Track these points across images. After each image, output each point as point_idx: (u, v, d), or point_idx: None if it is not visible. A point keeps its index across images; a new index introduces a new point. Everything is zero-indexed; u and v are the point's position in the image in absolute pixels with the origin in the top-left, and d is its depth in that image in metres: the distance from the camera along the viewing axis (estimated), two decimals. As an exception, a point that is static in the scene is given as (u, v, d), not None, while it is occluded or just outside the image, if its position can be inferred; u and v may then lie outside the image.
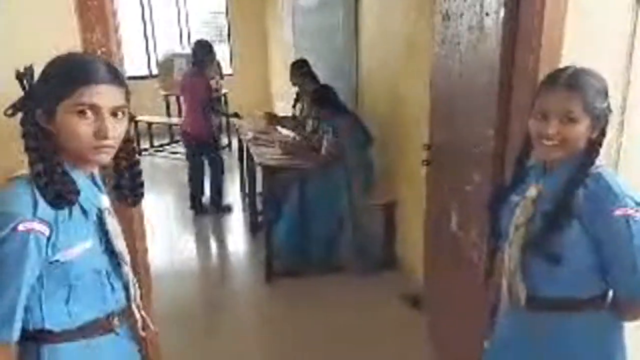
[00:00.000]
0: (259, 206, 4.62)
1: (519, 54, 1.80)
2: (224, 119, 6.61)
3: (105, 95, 1.10)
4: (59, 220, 1.10)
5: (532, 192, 1.38)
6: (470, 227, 2.25)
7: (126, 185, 1.32)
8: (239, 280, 3.91)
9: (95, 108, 1.09)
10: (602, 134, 1.33)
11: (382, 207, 3.76)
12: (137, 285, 1.33)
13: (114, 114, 1.13)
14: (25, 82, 1.10)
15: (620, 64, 1.76)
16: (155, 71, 7.93)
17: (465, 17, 2.20)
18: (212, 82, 5.02)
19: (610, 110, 1.33)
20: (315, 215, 3.71)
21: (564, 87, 1.28)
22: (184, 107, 4.75)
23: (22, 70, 1.10)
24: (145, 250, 1.79)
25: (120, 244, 1.25)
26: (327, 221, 3.71)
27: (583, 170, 1.30)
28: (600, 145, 1.33)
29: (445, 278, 2.67)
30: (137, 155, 1.33)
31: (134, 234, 1.73)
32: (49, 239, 1.08)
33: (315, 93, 3.84)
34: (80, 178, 1.17)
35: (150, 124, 7.35)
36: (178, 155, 7.25)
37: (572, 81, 1.28)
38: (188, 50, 7.89)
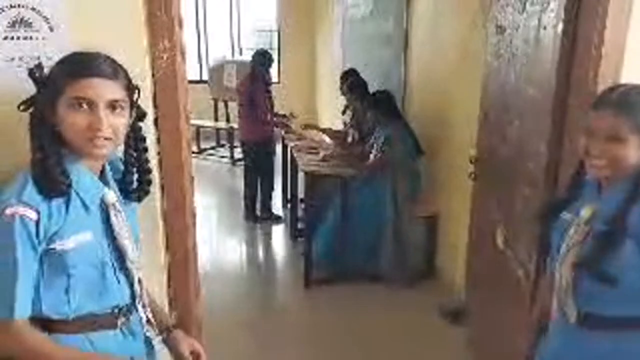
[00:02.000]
0: (301, 213, 4.67)
1: (576, 70, 1.77)
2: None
3: (100, 89, 1.13)
4: (53, 209, 1.14)
5: (586, 212, 1.36)
6: (518, 244, 2.21)
7: (131, 180, 1.34)
8: (278, 286, 3.95)
9: (90, 101, 1.13)
10: None
11: (425, 218, 3.73)
12: (143, 283, 1.34)
13: (111, 107, 1.16)
14: (36, 79, 1.17)
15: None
16: (205, 77, 8.14)
17: (522, 30, 2.17)
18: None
19: None
20: (356, 224, 3.72)
21: (611, 106, 1.26)
22: (242, 114, 4.85)
23: (33, 68, 1.17)
24: (195, 250, 1.84)
25: (124, 241, 1.26)
26: (369, 230, 3.71)
27: (636, 190, 1.28)
28: None
29: (488, 294, 2.62)
30: (146, 152, 1.35)
31: (185, 233, 1.77)
32: (38, 223, 1.11)
33: (375, 97, 3.82)
34: (82, 172, 1.20)
35: (198, 128, 7.53)
36: (224, 160, 7.40)
37: (622, 100, 1.26)
38: (238, 57, 8.11)
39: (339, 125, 5.36)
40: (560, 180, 1.87)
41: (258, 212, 5.06)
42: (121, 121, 1.19)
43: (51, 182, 1.13)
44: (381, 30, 4.95)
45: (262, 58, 4.85)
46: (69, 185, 1.16)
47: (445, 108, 3.64)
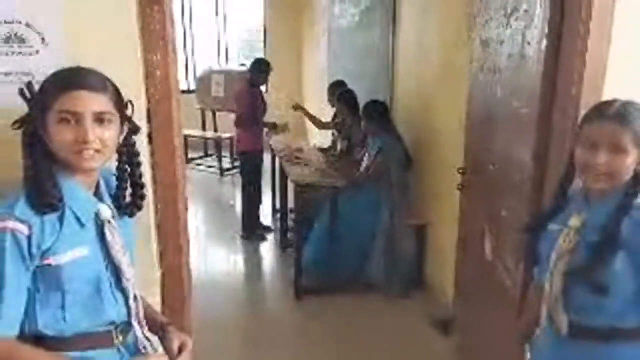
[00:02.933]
0: (290, 223, 4.68)
1: (560, 84, 1.82)
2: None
3: (85, 102, 1.14)
4: (46, 225, 1.14)
5: (575, 222, 1.39)
6: (505, 254, 2.24)
7: (124, 195, 1.34)
8: (268, 296, 3.95)
9: (76, 115, 1.13)
10: None
11: (414, 228, 3.77)
12: (139, 300, 1.32)
13: (99, 120, 1.16)
14: (27, 96, 1.18)
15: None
16: (193, 87, 8.15)
17: (506, 45, 2.23)
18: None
19: None
20: (346, 234, 3.74)
21: (614, 119, 1.30)
22: (242, 124, 4.76)
23: (23, 86, 1.18)
24: (188, 262, 1.84)
25: (120, 257, 1.25)
26: (359, 240, 3.73)
27: (629, 201, 1.32)
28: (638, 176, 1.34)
29: (476, 303, 2.66)
30: (140, 167, 1.35)
31: (177, 244, 1.78)
32: (30, 238, 1.11)
33: (369, 107, 3.84)
34: (76, 188, 1.21)
35: (186, 138, 7.52)
36: (212, 170, 7.40)
37: (623, 113, 1.30)
38: (225, 67, 8.13)
39: (327, 136, 5.40)
40: (546, 191, 1.92)
41: (263, 222, 5.02)
42: (109, 134, 1.19)
43: (43, 197, 1.14)
44: (368, 42, 5.01)
45: (261, 67, 4.84)
46: (61, 201, 1.16)
47: (433, 119, 3.69)
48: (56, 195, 1.15)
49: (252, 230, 4.87)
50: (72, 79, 1.16)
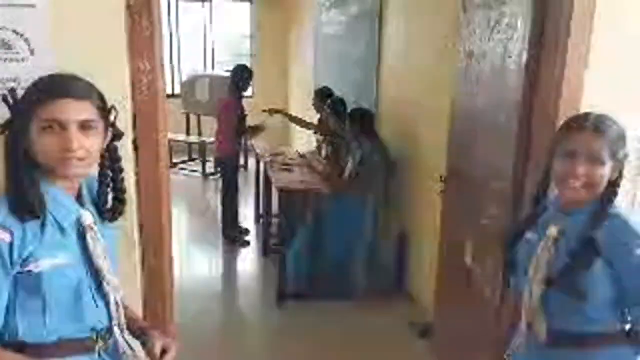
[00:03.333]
0: (273, 228, 4.69)
1: (539, 96, 1.87)
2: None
3: (68, 109, 1.13)
4: (27, 231, 1.14)
5: (552, 231, 1.43)
6: (485, 261, 2.29)
7: (105, 201, 1.33)
8: (250, 303, 3.95)
9: (60, 122, 1.12)
10: (620, 176, 1.40)
11: (396, 235, 3.81)
12: (119, 306, 1.32)
13: (83, 127, 1.15)
14: (9, 103, 1.17)
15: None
16: (177, 91, 8.12)
17: (488, 58, 2.28)
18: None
19: (627, 155, 1.40)
20: (329, 240, 3.76)
21: (591, 130, 1.34)
22: (222, 129, 4.81)
23: (6, 92, 1.17)
24: (170, 267, 1.85)
25: (101, 263, 1.25)
26: (341, 246, 3.75)
27: (604, 210, 1.37)
28: (618, 186, 1.40)
29: (456, 309, 2.70)
30: (121, 172, 1.35)
31: (160, 248, 1.78)
32: (11, 245, 1.11)
33: (353, 114, 3.87)
34: (57, 194, 1.20)
35: (170, 142, 7.48)
36: (196, 174, 7.38)
37: (599, 125, 1.35)
38: (211, 71, 8.12)
39: (310, 142, 5.43)
40: (525, 201, 1.97)
41: (241, 225, 5.06)
42: (94, 141, 1.19)
43: (25, 204, 1.13)
44: (354, 49, 5.05)
45: (242, 73, 4.86)
46: (43, 208, 1.16)
47: (416, 127, 3.73)
48: (38, 202, 1.15)
49: (232, 231, 4.92)
50: (56, 86, 1.15)
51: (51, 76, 1.19)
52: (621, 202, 1.43)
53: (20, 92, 1.19)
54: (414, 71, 3.75)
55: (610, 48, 1.77)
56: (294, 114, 5.25)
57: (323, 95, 4.70)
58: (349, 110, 4.08)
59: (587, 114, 1.43)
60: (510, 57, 2.03)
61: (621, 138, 1.37)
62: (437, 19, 3.35)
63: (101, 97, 1.22)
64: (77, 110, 1.15)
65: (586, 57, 1.76)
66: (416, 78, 3.70)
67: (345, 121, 3.99)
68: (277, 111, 5.08)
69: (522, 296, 1.52)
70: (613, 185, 1.39)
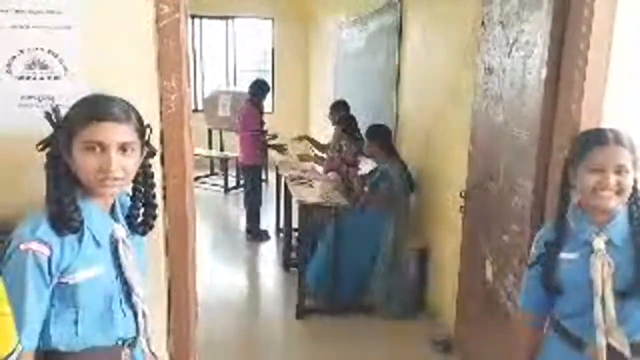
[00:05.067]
0: (294, 242, 4.72)
1: (559, 112, 1.88)
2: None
3: (110, 132, 1.19)
4: (65, 245, 1.19)
5: (599, 244, 1.45)
6: (506, 277, 2.28)
7: (137, 215, 1.39)
8: (270, 316, 3.96)
9: (102, 144, 1.19)
10: (636, 180, 1.48)
11: (416, 251, 3.80)
12: (147, 317, 1.36)
13: (122, 149, 1.21)
14: (53, 120, 1.23)
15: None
16: (200, 106, 8.27)
17: (508, 73, 2.29)
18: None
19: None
20: (349, 255, 3.76)
21: (615, 144, 1.43)
22: (241, 140, 5.24)
23: (49, 110, 1.23)
24: (195, 281, 1.89)
25: (132, 275, 1.30)
26: (362, 261, 3.76)
27: (637, 210, 1.48)
28: (637, 190, 1.49)
29: (477, 326, 2.68)
30: (153, 188, 1.41)
31: (185, 262, 1.82)
32: (50, 259, 1.17)
33: (371, 130, 3.91)
34: (94, 209, 1.26)
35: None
36: (217, 188, 7.46)
37: (620, 139, 1.44)
38: (233, 87, 8.26)
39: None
40: (546, 216, 1.97)
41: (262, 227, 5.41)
42: (132, 162, 1.25)
43: (65, 220, 1.19)
44: (374, 65, 5.10)
45: (260, 86, 5.24)
46: (82, 223, 1.22)
47: (436, 143, 3.74)
48: (77, 218, 1.21)
49: (254, 232, 5.33)
50: (98, 110, 1.21)
51: (94, 97, 1.25)
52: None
53: (62, 110, 1.25)
54: (434, 86, 3.77)
55: (629, 65, 1.77)
56: (319, 140, 5.50)
57: (338, 109, 4.79)
58: (366, 126, 4.11)
59: (602, 129, 1.51)
60: (530, 73, 2.05)
61: (636, 147, 1.46)
62: (456, 34, 3.38)
63: (139, 119, 1.28)
64: (118, 134, 1.21)
65: (605, 74, 1.77)
66: (436, 93, 3.72)
67: (357, 138, 4.05)
68: (305, 138, 5.44)
69: (569, 319, 1.53)
70: (634, 190, 1.48)
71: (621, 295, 1.42)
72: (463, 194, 2.81)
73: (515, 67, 2.21)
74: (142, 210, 1.40)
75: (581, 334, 1.49)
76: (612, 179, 1.41)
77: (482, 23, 2.60)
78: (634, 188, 1.47)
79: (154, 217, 1.42)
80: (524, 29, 2.14)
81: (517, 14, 2.22)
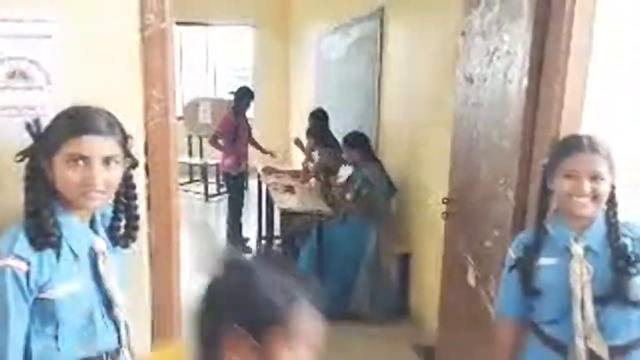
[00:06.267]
0: (275, 249, 4.70)
1: (540, 122, 1.92)
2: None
3: (94, 146, 1.18)
4: (44, 260, 1.17)
5: (578, 250, 1.48)
6: (489, 282, 2.30)
7: (118, 227, 1.37)
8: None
9: (85, 157, 1.17)
10: (614, 186, 1.50)
11: (399, 257, 3.82)
12: (129, 329, 1.36)
13: (106, 162, 1.20)
14: (34, 131, 1.21)
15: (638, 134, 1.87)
16: (179, 113, 8.21)
17: (489, 83, 2.33)
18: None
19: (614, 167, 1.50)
20: (332, 261, 3.77)
21: (590, 150, 1.45)
22: (227, 147, 5.15)
23: (30, 121, 1.22)
24: (179, 293, 1.87)
25: (112, 287, 1.29)
26: (344, 268, 3.76)
27: (614, 218, 1.49)
28: (615, 195, 1.51)
29: (460, 331, 2.70)
30: (136, 199, 1.39)
31: (170, 273, 1.80)
32: (28, 274, 1.14)
33: (349, 138, 3.94)
34: (73, 222, 1.24)
35: (171, 164, 7.52)
36: (198, 196, 7.40)
37: (596, 146, 1.46)
38: (213, 95, 8.23)
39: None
40: (527, 223, 1.99)
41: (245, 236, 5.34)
42: (115, 175, 1.23)
43: (43, 234, 1.17)
44: (354, 74, 5.13)
45: (244, 94, 5.23)
46: (60, 237, 1.20)
47: (418, 150, 3.78)
48: (55, 232, 1.19)
49: (235, 243, 5.21)
50: (82, 123, 1.19)
51: (77, 110, 1.22)
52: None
53: (43, 121, 1.23)
54: (415, 94, 3.80)
55: (608, 73, 1.82)
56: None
57: (317, 118, 4.83)
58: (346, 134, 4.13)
59: (579, 136, 1.54)
60: (510, 82, 2.08)
61: (611, 154, 1.48)
62: (438, 43, 3.42)
63: (123, 131, 1.26)
64: (102, 147, 1.19)
65: (585, 82, 1.81)
66: (417, 101, 3.76)
67: (330, 146, 4.09)
68: (297, 141, 5.35)
69: (550, 324, 1.55)
70: (612, 196, 1.49)
71: (600, 300, 1.45)
72: (445, 201, 2.84)
73: (496, 76, 2.24)
74: (123, 222, 1.38)
75: (561, 338, 1.52)
76: (587, 185, 1.43)
77: (463, 33, 2.64)
78: (612, 194, 1.49)
79: (136, 229, 1.40)
80: (504, 38, 2.18)
81: (497, 23, 2.26)
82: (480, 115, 2.45)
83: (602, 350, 1.46)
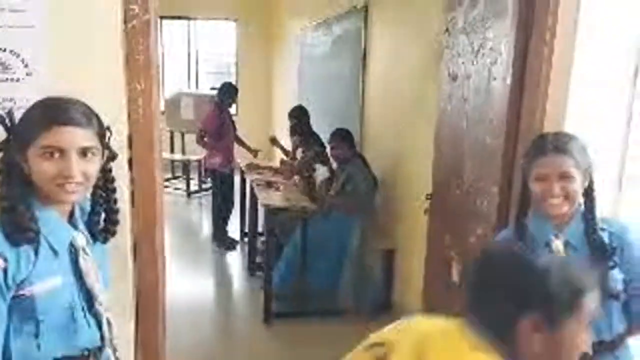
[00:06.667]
0: (259, 246, 4.69)
1: (524, 118, 1.93)
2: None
3: (71, 137, 1.14)
4: (21, 256, 1.13)
5: (558, 245, 1.52)
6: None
7: (97, 221, 1.34)
8: (236, 322, 3.92)
9: (61, 149, 1.13)
10: (591, 182, 1.54)
11: (382, 252, 3.83)
12: (111, 326, 1.33)
13: (82, 153, 1.16)
14: (7, 124, 1.17)
15: (620, 130, 1.90)
16: (161, 108, 8.12)
17: (473, 79, 2.34)
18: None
19: (591, 163, 1.53)
20: (316, 258, 3.77)
21: (554, 152, 1.48)
22: (213, 144, 5.09)
23: (3, 114, 1.18)
24: (164, 288, 1.85)
25: (93, 283, 1.26)
26: (328, 264, 3.77)
27: (592, 214, 1.51)
28: (593, 191, 1.53)
29: (444, 327, 2.72)
30: (114, 193, 1.35)
31: (154, 268, 1.78)
32: (5, 271, 1.11)
33: (335, 135, 3.94)
34: (51, 216, 1.20)
35: (153, 159, 7.44)
36: (180, 192, 7.34)
37: (559, 145, 1.49)
38: (195, 89, 8.15)
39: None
40: (511, 219, 2.01)
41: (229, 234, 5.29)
42: (93, 167, 1.20)
43: (20, 230, 1.13)
44: (338, 70, 5.13)
45: (229, 90, 5.18)
46: (38, 233, 1.16)
47: (401, 146, 3.79)
48: (33, 227, 1.15)
49: (221, 240, 5.18)
50: (56, 114, 1.15)
51: (51, 100, 1.19)
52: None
53: (17, 113, 1.19)
54: (398, 91, 3.82)
55: (592, 71, 1.84)
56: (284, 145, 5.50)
57: (296, 115, 4.83)
58: (330, 130, 4.13)
59: (545, 136, 1.58)
60: (495, 79, 2.10)
61: (582, 150, 1.50)
62: (421, 40, 3.43)
63: (100, 122, 1.23)
64: (77, 138, 1.16)
65: (568, 79, 1.83)
66: (401, 97, 3.77)
67: (311, 142, 4.09)
68: (272, 140, 5.42)
69: None
70: (589, 193, 1.52)
71: None
72: (428, 197, 2.85)
73: (481, 73, 2.25)
74: (102, 216, 1.35)
75: None
76: (556, 186, 1.46)
77: (446, 30, 2.65)
78: (589, 189, 1.52)
79: (115, 223, 1.37)
80: (488, 35, 2.19)
81: (482, 20, 2.27)
82: (464, 112, 2.46)
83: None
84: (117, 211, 1.37)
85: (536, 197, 1.52)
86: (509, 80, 1.96)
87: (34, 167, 1.15)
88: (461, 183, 2.50)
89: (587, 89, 1.84)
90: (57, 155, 1.14)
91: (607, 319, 1.49)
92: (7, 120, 1.18)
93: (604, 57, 1.85)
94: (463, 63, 2.45)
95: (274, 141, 5.33)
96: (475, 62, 2.32)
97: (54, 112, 1.15)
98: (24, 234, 1.14)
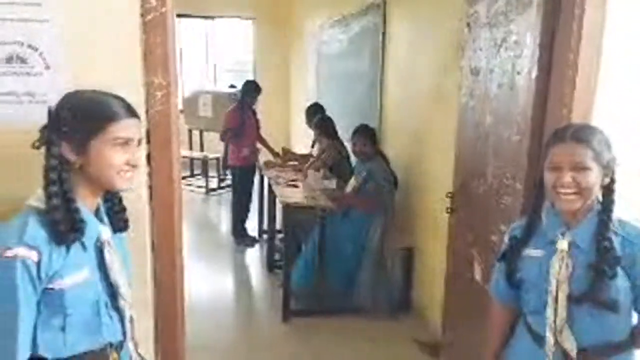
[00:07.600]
0: (278, 244, 4.68)
1: (549, 113, 1.87)
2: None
3: (133, 129, 1.23)
4: (53, 249, 1.14)
5: (563, 245, 1.43)
6: (495, 277, 2.27)
7: (118, 210, 1.38)
8: (255, 319, 3.91)
9: (128, 140, 1.21)
10: (612, 181, 1.43)
11: (402, 251, 3.79)
12: (134, 321, 1.35)
13: (139, 143, 1.26)
14: (53, 120, 1.18)
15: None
16: (180, 106, 8.17)
17: (496, 74, 2.29)
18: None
19: (615, 159, 1.42)
20: (335, 255, 3.74)
21: (572, 140, 1.38)
22: (237, 142, 5.07)
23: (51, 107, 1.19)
24: (182, 285, 1.84)
25: (117, 277, 1.27)
26: (347, 262, 3.74)
27: (607, 215, 1.40)
28: (613, 191, 1.43)
29: (466, 327, 2.67)
30: None
31: (172, 264, 1.77)
32: (38, 264, 1.11)
33: (359, 131, 3.89)
34: (85, 213, 1.22)
35: (171, 157, 7.49)
36: (199, 189, 7.37)
37: (579, 134, 1.39)
38: (213, 87, 8.18)
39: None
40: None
41: (249, 232, 5.32)
42: (141, 156, 1.31)
43: (74, 228, 1.15)
44: (356, 67, 5.09)
45: (252, 87, 5.21)
46: (84, 233, 1.18)
47: (422, 144, 3.74)
48: (83, 228, 1.18)
49: (240, 237, 5.22)
50: (121, 108, 1.22)
51: (103, 96, 1.23)
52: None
53: (36, 107, 1.19)
54: (418, 87, 3.76)
55: (620, 63, 1.78)
56: (298, 151, 5.62)
57: (313, 113, 4.79)
58: (350, 127, 4.10)
59: (567, 126, 1.49)
60: (519, 73, 2.04)
61: (604, 143, 1.40)
62: (441, 35, 3.38)
63: None
64: (137, 129, 1.26)
65: (597, 72, 1.77)
66: (421, 94, 3.72)
67: (334, 139, 4.05)
68: (289, 152, 5.47)
69: (532, 315, 1.53)
70: (607, 191, 1.42)
71: (575, 298, 1.40)
72: (450, 195, 2.80)
73: (504, 67, 2.20)
74: (116, 205, 1.38)
75: (540, 330, 1.50)
76: (568, 176, 1.36)
77: (467, 24, 2.60)
78: (608, 187, 1.42)
79: (124, 210, 1.40)
80: (512, 29, 2.13)
81: (504, 14, 2.21)
82: (486, 108, 2.40)
83: (572, 348, 1.42)
84: (121, 199, 1.40)
85: (548, 188, 1.42)
86: (534, 74, 1.91)
87: (99, 157, 1.18)
88: (483, 180, 2.44)
89: (617, 81, 1.78)
90: (123, 145, 1.21)
91: (599, 328, 1.42)
92: (53, 115, 1.19)
93: (636, 47, 1.78)
94: (485, 57, 2.40)
95: (286, 152, 5.39)
96: (498, 56, 2.26)
97: (116, 105, 1.21)
98: (75, 234, 1.16)
